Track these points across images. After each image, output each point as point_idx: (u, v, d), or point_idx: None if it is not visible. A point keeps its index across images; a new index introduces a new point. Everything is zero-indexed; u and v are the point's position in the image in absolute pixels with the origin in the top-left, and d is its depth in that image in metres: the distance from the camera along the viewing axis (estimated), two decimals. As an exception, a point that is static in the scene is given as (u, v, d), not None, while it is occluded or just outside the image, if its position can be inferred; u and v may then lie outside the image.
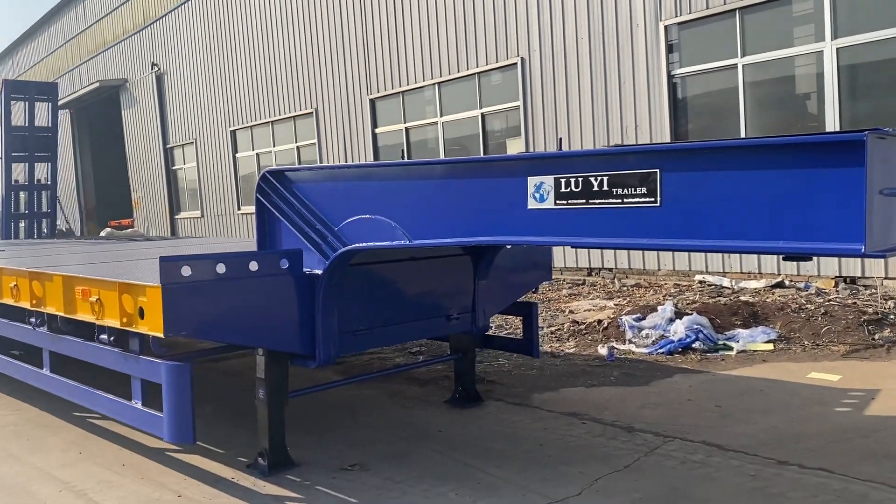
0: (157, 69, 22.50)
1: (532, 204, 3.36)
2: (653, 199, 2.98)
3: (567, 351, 7.13)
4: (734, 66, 9.49)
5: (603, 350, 6.76)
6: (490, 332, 7.61)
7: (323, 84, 16.23)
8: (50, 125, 13.20)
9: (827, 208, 2.53)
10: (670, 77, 10.09)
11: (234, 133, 19.56)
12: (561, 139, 11.00)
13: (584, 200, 3.19)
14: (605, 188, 3.11)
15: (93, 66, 26.83)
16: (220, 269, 4.04)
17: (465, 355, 5.66)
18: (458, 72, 13.09)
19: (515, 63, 12.07)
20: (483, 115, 12.86)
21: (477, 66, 12.76)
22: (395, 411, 5.64)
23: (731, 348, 6.53)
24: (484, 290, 5.37)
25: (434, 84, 13.63)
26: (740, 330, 6.87)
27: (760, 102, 9.49)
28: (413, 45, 13.91)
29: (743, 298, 8.20)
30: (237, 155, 19.64)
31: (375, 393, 6.18)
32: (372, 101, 15.01)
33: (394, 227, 4.00)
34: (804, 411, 5.01)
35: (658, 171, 2.95)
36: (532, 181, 3.35)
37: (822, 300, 7.83)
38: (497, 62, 12.39)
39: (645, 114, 10.37)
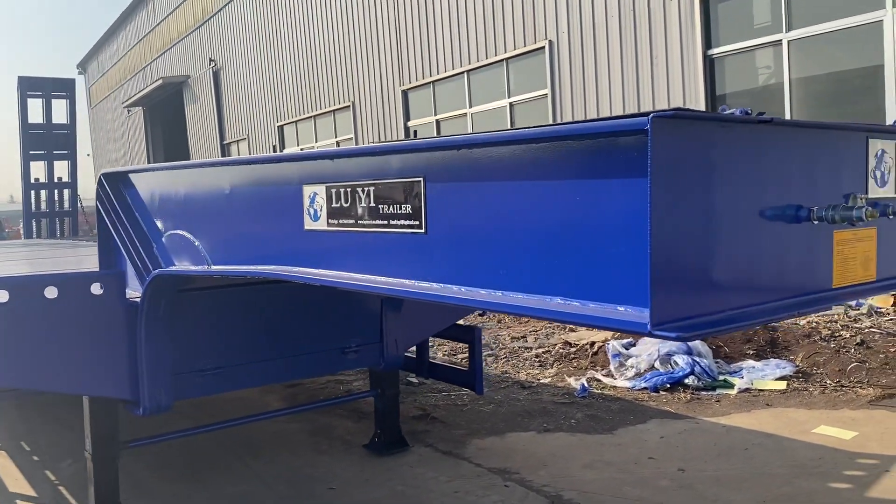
0: (213, 65, 22.39)
1: (308, 223, 2.41)
2: (417, 223, 1.97)
3: (543, 381, 6.06)
4: (778, 43, 8.10)
5: (576, 382, 5.66)
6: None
7: (359, 76, 15.51)
8: (68, 122, 12.92)
9: (603, 247, 1.48)
10: (706, 57, 8.77)
11: (281, 129, 19.15)
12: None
13: (353, 221, 2.21)
14: (372, 204, 2.13)
15: (161, 64, 27.14)
16: (2, 296, 3.26)
17: (385, 392, 4.72)
18: (487, 58, 12.07)
19: (543, 46, 10.95)
20: (511, 105, 11.80)
21: (505, 52, 11.70)
22: (302, 455, 4.76)
23: (731, 385, 5.32)
24: (396, 315, 4.41)
25: (463, 72, 12.66)
26: (751, 361, 5.63)
27: (808, 84, 8.06)
28: (443, 32, 12.97)
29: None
30: (284, 151, 19.21)
31: (300, 427, 5.33)
32: (404, 93, 14.16)
33: (197, 248, 3.12)
34: (790, 486, 3.81)
35: (422, 180, 1.95)
36: (307, 191, 2.39)
37: (870, 323, 6.43)
38: (525, 46, 11.30)
39: (679, 99, 9.08)
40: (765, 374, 5.37)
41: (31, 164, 12.89)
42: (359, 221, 2.17)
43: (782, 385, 5.27)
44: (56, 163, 13.08)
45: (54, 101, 13.11)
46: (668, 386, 5.40)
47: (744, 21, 8.55)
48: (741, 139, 1.50)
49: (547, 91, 10.95)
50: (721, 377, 5.44)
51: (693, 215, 1.40)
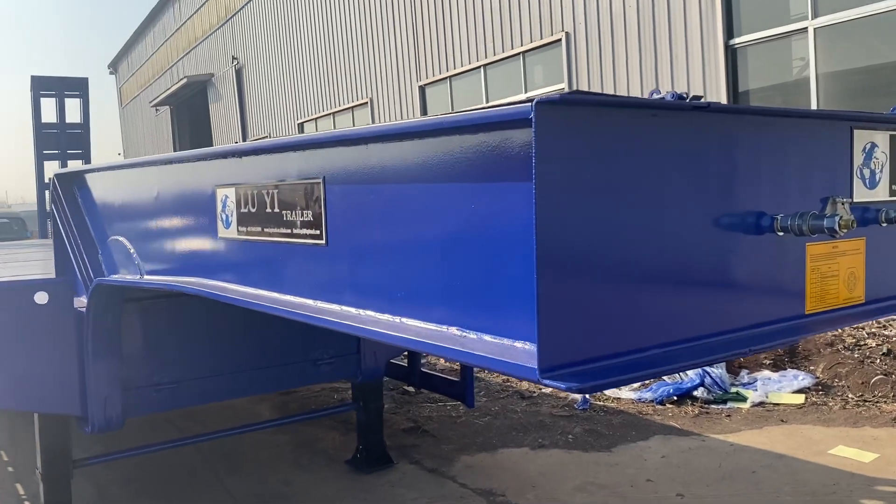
0: (236, 62, 22.32)
1: (221, 230, 2.13)
2: (318, 233, 1.68)
3: (545, 391, 5.73)
4: (803, 31, 7.64)
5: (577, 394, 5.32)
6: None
7: (376, 72, 15.26)
8: (82, 121, 12.82)
9: (498, 267, 1.18)
10: (727, 47, 8.33)
11: (301, 126, 18.98)
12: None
13: (259, 228, 1.93)
14: (276, 209, 1.84)
15: (187, 63, 27.19)
16: (-67, 307, 3.05)
17: (367, 405, 4.44)
18: (503, 52, 11.72)
19: (560, 39, 10.57)
20: (529, 100, 11.43)
21: (521, 45, 11.34)
22: (281, 471, 4.50)
23: (744, 398, 4.93)
24: (376, 324, 4.11)
25: (480, 66, 12.33)
26: (767, 372, 5.24)
27: (837, 76, 7.59)
28: (459, 26, 12.65)
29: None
30: (305, 148, 19.03)
31: (286, 439, 5.08)
32: (421, 88, 13.87)
33: (132, 255, 2.86)
34: (797, 516, 3.45)
35: (321, 181, 1.65)
36: (220, 194, 2.11)
37: (900, 330, 5.97)
38: (542, 38, 10.93)
39: (699, 93, 8.65)
40: (781, 387, 4.98)
41: (45, 164, 12.84)
42: (265, 229, 1.89)
43: (800, 399, 4.87)
44: (70, 163, 13.02)
45: (67, 101, 13.01)
46: (676, 398, 5.04)
47: (767, 7, 8.10)
48: (673, 130, 1.18)
49: (564, 85, 10.57)
50: (733, 389, 5.06)
51: (601, 228, 1.09)
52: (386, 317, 1.47)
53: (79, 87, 13.38)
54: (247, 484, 4.31)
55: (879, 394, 4.79)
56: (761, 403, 4.90)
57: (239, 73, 22.36)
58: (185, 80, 24.83)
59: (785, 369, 5.24)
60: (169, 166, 2.50)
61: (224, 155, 2.10)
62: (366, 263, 1.54)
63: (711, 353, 1.19)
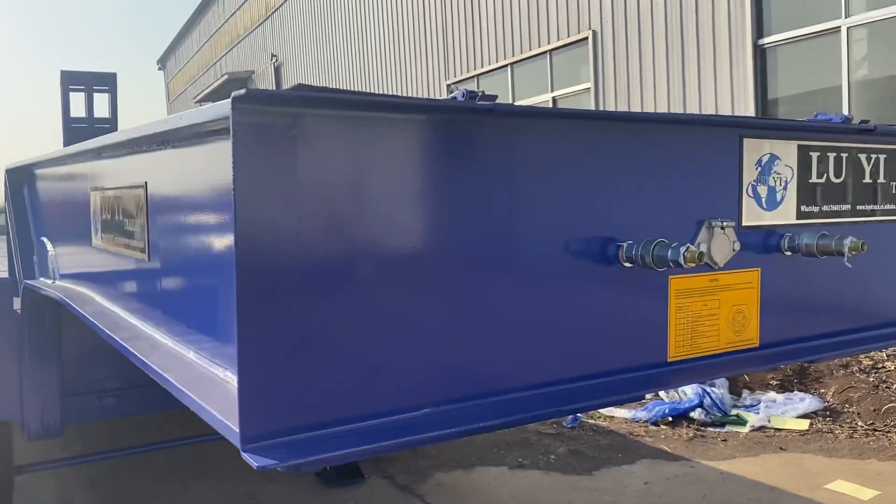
0: (275, 60, 22.40)
1: (93, 237, 1.95)
2: (142, 245, 1.49)
3: (538, 404, 5.46)
4: (836, 30, 7.21)
5: (567, 410, 5.04)
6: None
7: (406, 70, 15.10)
8: (110, 116, 12.87)
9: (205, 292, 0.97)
10: (756, 47, 7.92)
11: (335, 123, 18.93)
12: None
13: (112, 237, 1.75)
14: (119, 217, 1.65)
15: (230, 59, 27.43)
16: None
17: (337, 416, 4.24)
18: (530, 50, 11.44)
19: (587, 37, 10.25)
20: (554, 100, 11.14)
21: (548, 43, 11.05)
22: (248, 481, 4.33)
23: (744, 422, 4.61)
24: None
25: (507, 65, 12.06)
26: (773, 394, 4.89)
27: (870, 79, 7.14)
28: (487, 25, 12.42)
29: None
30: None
31: (264, 447, 4.90)
32: (449, 88, 13.64)
33: (51, 257, 2.71)
34: (777, 559, 3.14)
35: (144, 186, 1.45)
36: (93, 198, 1.94)
37: (926, 351, 5.54)
38: (568, 37, 10.63)
39: (727, 94, 8.26)
40: (785, 411, 4.64)
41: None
42: (115, 238, 1.70)
43: (804, 424, 4.53)
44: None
45: (96, 95, 13.08)
46: (671, 419, 4.73)
47: (798, 6, 7.67)
48: (467, 136, 0.94)
49: (590, 84, 10.26)
50: (734, 411, 4.73)
51: (340, 257, 0.86)
52: (182, 350, 1.26)
53: (107, 81, 13.51)
54: (211, 494, 4.16)
55: (891, 423, 4.41)
56: (762, 428, 4.56)
57: (278, 70, 22.43)
58: (226, 77, 25.04)
59: (792, 391, 4.89)
60: (69, 166, 2.33)
61: (97, 154, 1.92)
62: (171, 284, 1.33)
63: (504, 414, 0.96)
